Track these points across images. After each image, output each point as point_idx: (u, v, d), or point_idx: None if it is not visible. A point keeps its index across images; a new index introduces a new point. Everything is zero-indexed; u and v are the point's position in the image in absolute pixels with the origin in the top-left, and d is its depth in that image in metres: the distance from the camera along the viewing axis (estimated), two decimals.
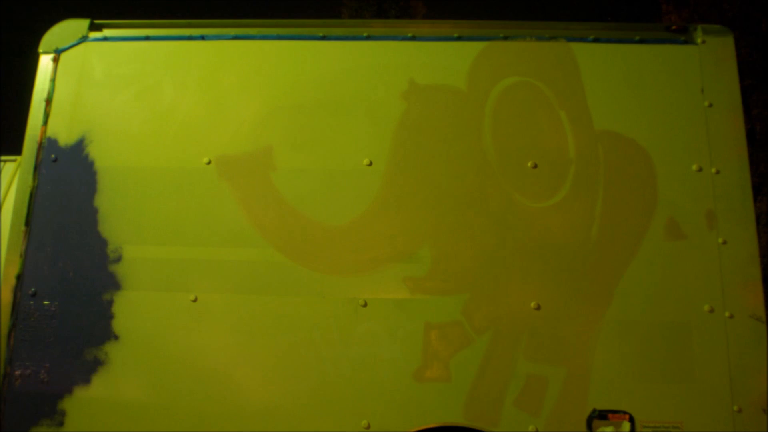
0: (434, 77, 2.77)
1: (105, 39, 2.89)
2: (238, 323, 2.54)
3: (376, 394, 2.47)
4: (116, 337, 2.55)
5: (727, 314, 2.49)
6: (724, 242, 2.55)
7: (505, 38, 2.83)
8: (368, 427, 2.44)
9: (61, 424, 2.48)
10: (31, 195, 2.68)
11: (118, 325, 2.56)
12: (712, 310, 2.49)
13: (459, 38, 2.83)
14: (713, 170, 2.63)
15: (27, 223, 2.65)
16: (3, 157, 4.12)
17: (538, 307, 2.52)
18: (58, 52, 2.86)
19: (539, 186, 2.64)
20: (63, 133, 2.75)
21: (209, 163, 2.70)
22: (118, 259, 2.61)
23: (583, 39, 2.81)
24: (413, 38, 2.83)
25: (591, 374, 2.45)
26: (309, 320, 2.54)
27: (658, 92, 2.72)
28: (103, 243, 2.62)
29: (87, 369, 2.52)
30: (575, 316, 2.51)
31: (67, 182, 2.70)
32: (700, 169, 2.64)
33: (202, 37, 2.87)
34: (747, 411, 2.39)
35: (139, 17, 2.95)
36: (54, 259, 2.62)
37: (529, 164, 2.67)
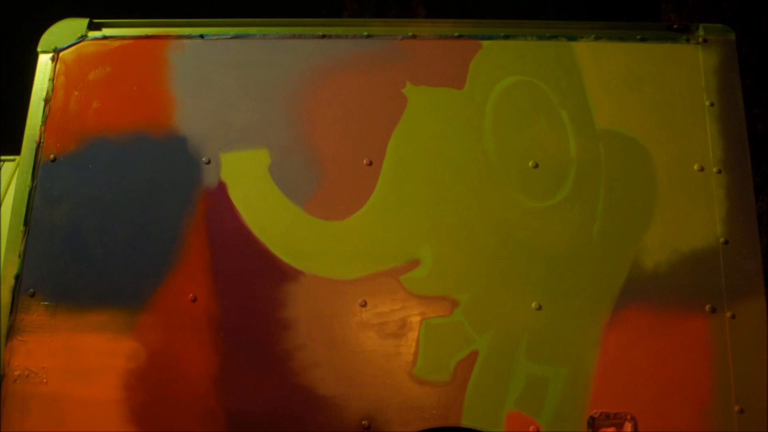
0: (434, 76, 2.76)
1: (104, 38, 2.89)
2: (237, 323, 2.53)
3: (375, 394, 2.46)
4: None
5: (728, 314, 2.48)
6: (726, 242, 2.54)
7: (506, 37, 2.82)
8: (368, 427, 2.43)
9: (59, 425, 2.46)
10: (30, 195, 2.68)
11: None
12: (713, 310, 2.49)
13: (459, 37, 2.82)
14: (715, 170, 2.62)
15: (26, 223, 2.65)
16: (2, 157, 4.11)
17: (540, 308, 2.51)
18: (57, 51, 2.85)
19: (540, 185, 2.63)
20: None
21: (209, 162, 2.69)
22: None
23: (584, 38, 2.80)
24: (414, 37, 2.82)
25: (593, 375, 2.45)
26: (308, 320, 2.53)
27: (660, 91, 2.71)
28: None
29: (87, 369, 2.51)
30: (577, 316, 2.50)
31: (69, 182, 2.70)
32: (701, 169, 2.63)
33: (201, 36, 2.86)
34: (749, 411, 2.39)
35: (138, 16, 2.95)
36: (53, 260, 2.61)
37: (530, 164, 2.66)
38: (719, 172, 2.61)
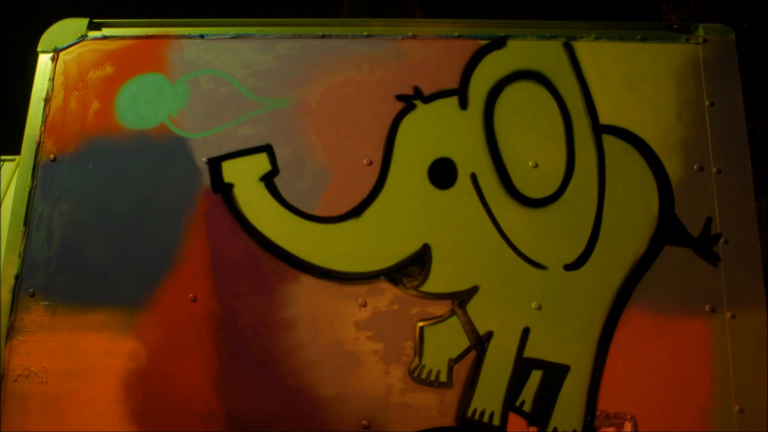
0: (434, 76, 2.76)
1: (104, 38, 2.89)
2: (237, 323, 2.53)
3: (375, 394, 2.46)
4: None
5: (728, 314, 2.48)
6: (726, 242, 2.55)
7: (506, 37, 2.82)
8: (368, 427, 2.43)
9: (59, 425, 2.47)
10: (30, 195, 2.68)
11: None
12: (713, 310, 2.49)
13: (459, 37, 2.82)
14: (714, 170, 2.62)
15: (26, 223, 2.65)
16: (2, 157, 4.12)
17: (540, 308, 2.51)
18: (57, 51, 2.85)
19: (540, 185, 2.63)
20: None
21: (207, 162, 2.69)
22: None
23: (584, 38, 2.80)
24: (414, 37, 2.82)
25: (593, 375, 2.45)
26: (308, 320, 2.53)
27: (659, 91, 2.71)
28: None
29: (87, 369, 2.51)
30: (577, 316, 2.50)
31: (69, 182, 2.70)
32: (701, 169, 2.63)
33: (201, 36, 2.86)
34: (749, 411, 2.39)
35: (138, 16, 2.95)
36: (53, 260, 2.61)
37: (530, 164, 2.66)
38: (719, 172, 2.61)
